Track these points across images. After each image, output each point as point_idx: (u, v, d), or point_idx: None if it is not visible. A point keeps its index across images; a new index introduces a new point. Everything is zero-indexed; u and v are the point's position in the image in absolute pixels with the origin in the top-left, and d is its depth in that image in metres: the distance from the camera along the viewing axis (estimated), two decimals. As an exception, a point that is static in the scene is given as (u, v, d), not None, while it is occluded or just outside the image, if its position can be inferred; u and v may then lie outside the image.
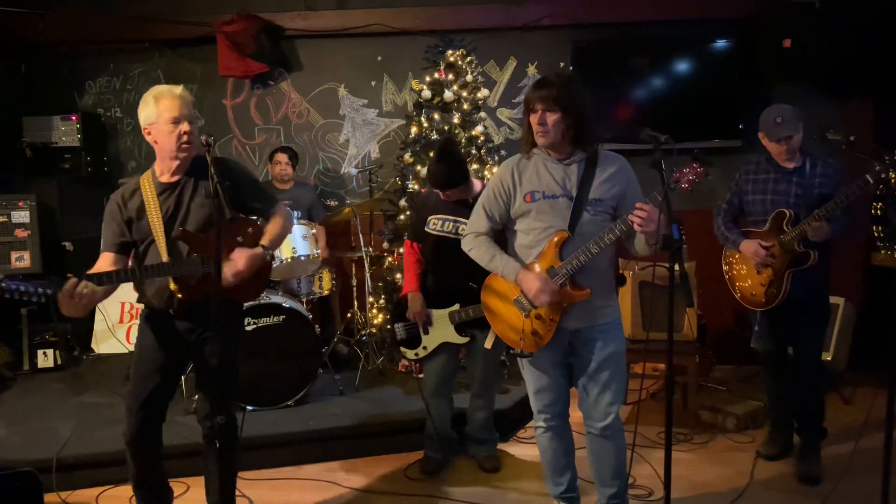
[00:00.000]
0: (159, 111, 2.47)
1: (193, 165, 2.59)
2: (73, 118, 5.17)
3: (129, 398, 2.63)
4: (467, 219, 3.20)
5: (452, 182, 3.23)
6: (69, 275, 2.27)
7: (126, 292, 4.48)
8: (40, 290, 2.19)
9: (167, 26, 5.33)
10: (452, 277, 3.30)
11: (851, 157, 3.33)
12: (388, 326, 3.74)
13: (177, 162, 2.54)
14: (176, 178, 2.58)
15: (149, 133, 2.53)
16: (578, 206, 2.53)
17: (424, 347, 3.41)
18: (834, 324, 4.46)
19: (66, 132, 5.16)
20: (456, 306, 3.32)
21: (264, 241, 2.66)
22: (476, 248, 2.73)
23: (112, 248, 2.57)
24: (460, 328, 3.33)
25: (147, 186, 2.56)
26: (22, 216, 4.83)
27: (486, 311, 2.82)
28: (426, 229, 3.36)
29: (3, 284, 2.15)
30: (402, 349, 3.49)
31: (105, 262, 2.56)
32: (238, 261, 2.55)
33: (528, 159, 2.65)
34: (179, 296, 2.51)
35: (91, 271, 2.42)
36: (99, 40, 5.46)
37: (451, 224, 3.30)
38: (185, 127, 2.47)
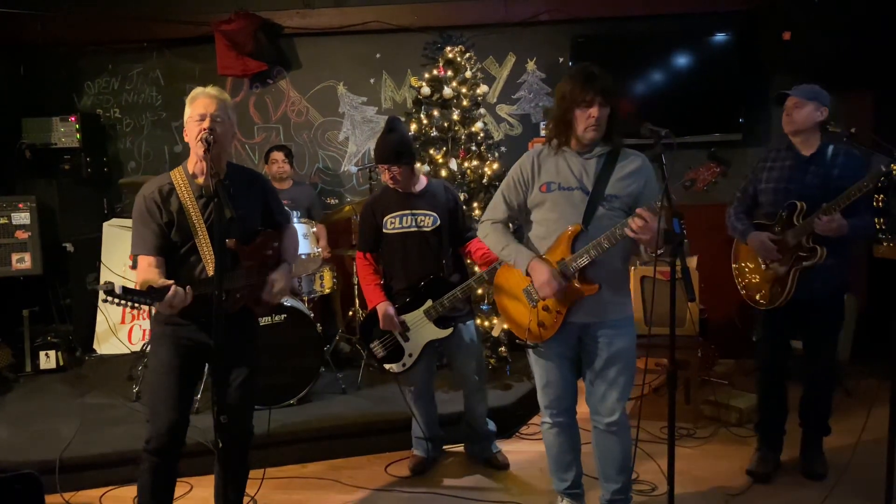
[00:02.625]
0: (190, 110, 2.49)
1: (229, 172, 2.58)
2: (73, 119, 5.17)
3: (157, 403, 2.53)
4: (421, 210, 3.25)
5: (399, 156, 3.18)
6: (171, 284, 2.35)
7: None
8: (147, 300, 2.33)
9: (165, 26, 5.33)
10: (419, 273, 3.27)
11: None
12: (365, 350, 3.51)
13: (203, 161, 2.48)
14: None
15: (186, 134, 2.54)
16: (594, 201, 2.52)
17: (410, 355, 3.32)
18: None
19: (65, 133, 5.16)
20: (429, 303, 3.26)
21: (287, 256, 2.78)
22: (490, 234, 2.75)
23: (153, 252, 2.49)
24: (440, 322, 3.28)
25: (183, 187, 2.51)
26: (22, 218, 4.83)
27: (497, 299, 2.83)
28: (384, 231, 3.31)
29: (118, 292, 2.24)
30: (387, 366, 3.37)
31: (149, 266, 2.47)
32: (280, 281, 2.68)
33: (550, 150, 2.64)
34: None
35: (140, 277, 2.44)
36: (97, 41, 5.47)
37: (410, 218, 3.28)
38: (206, 123, 2.44)
